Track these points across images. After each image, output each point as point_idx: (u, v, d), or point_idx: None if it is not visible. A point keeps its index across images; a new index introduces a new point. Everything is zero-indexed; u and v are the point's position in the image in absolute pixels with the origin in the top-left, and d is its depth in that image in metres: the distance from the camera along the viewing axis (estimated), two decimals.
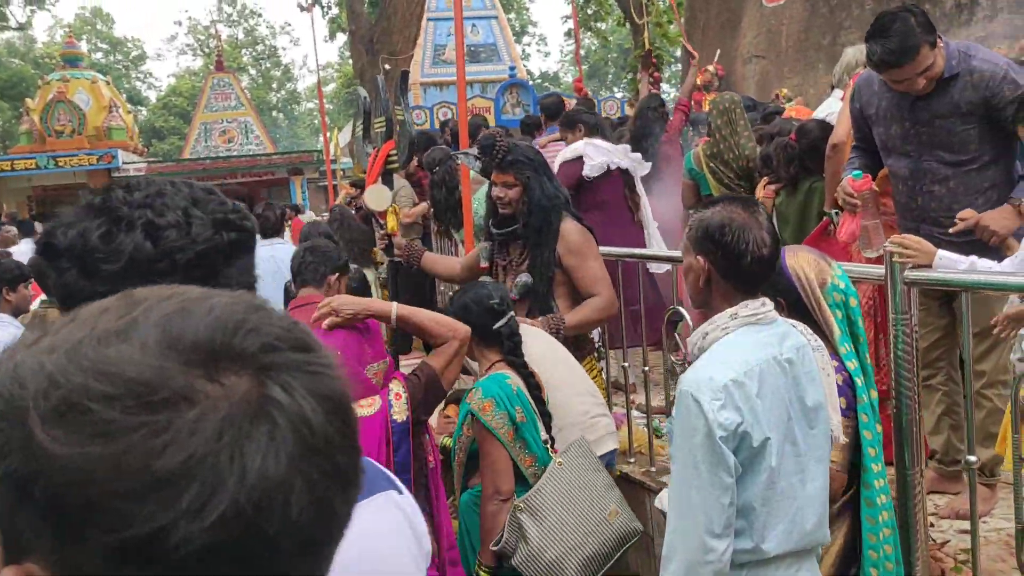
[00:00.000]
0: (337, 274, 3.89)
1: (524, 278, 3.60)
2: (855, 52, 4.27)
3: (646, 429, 4.18)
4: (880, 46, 3.11)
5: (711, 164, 5.02)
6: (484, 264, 3.88)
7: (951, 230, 3.08)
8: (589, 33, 34.64)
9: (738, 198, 2.10)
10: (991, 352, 3.22)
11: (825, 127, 4.02)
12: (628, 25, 23.74)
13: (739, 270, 2.01)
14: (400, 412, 2.61)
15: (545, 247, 3.62)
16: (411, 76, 17.54)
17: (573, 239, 3.63)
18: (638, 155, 5.22)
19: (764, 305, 2.03)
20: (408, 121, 4.60)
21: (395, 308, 2.71)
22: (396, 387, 2.64)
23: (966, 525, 3.27)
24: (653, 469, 4.07)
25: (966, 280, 2.60)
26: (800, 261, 2.36)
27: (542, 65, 54.57)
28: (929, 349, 3.29)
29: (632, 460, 4.20)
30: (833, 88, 4.48)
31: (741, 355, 1.95)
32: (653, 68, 6.65)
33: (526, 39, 46.87)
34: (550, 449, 3.01)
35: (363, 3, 18.62)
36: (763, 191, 4.26)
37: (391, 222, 4.50)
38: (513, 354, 3.00)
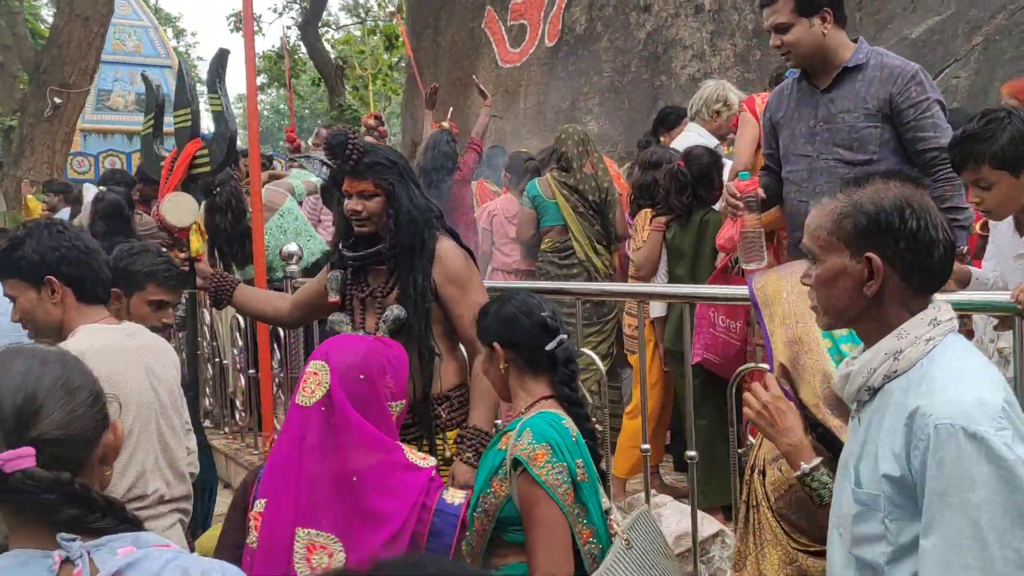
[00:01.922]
0: (118, 289, 2.77)
1: (396, 311, 2.81)
2: (715, 84, 4.18)
3: None
4: None
5: (563, 192, 4.69)
6: (334, 298, 3.02)
7: None
8: (273, 92, 33.56)
9: (894, 172, 1.58)
10: None
11: (714, 154, 3.75)
12: (324, 84, 23.25)
13: (929, 265, 1.47)
14: (455, 496, 2.15)
15: (418, 271, 2.84)
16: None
17: (454, 265, 2.87)
18: None
19: (950, 308, 1.53)
20: (229, 111, 3.61)
21: None
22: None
23: None
24: None
25: None
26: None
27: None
28: None
29: None
30: (689, 121, 4.31)
31: (984, 368, 1.42)
32: (434, 103, 6.18)
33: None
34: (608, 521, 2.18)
35: (26, 27, 16.18)
36: (650, 223, 3.87)
37: (195, 243, 3.37)
38: (568, 386, 2.22)
